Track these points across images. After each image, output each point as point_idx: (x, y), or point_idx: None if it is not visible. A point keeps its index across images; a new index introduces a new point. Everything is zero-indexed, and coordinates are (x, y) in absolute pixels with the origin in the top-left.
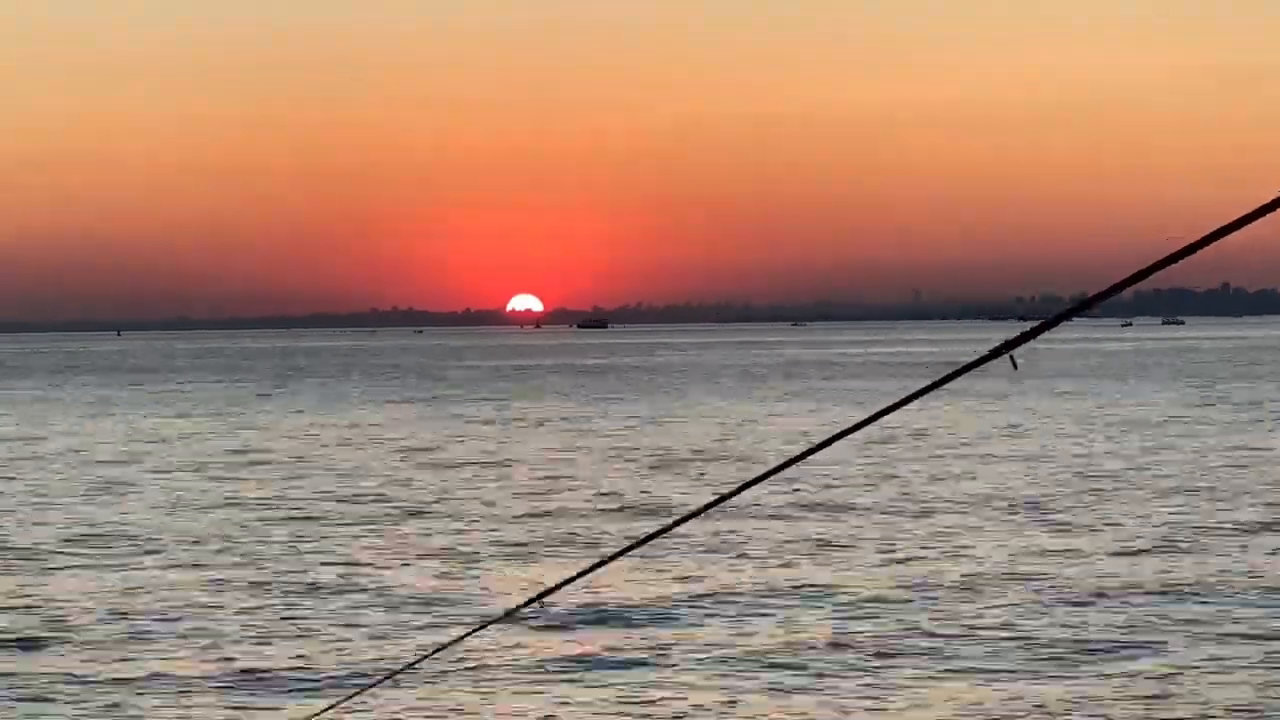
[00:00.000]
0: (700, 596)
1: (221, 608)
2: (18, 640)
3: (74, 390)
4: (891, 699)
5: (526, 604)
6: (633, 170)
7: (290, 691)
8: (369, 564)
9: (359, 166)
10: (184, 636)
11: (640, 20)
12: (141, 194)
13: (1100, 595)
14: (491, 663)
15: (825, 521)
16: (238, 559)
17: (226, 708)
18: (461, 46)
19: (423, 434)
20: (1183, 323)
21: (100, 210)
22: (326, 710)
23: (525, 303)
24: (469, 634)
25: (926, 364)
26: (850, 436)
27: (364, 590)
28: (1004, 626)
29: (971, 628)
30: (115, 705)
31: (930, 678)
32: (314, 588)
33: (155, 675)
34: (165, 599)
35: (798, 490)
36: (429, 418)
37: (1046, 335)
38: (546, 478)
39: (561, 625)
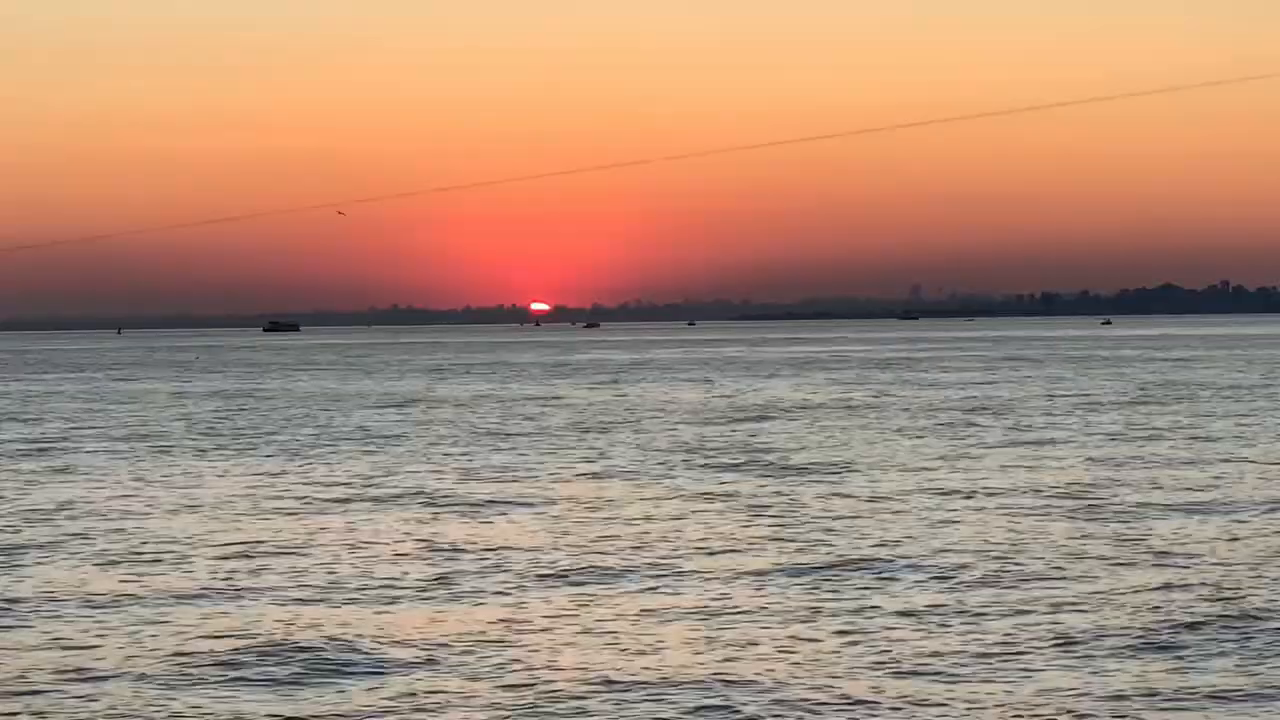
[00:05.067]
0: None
1: None
2: None
3: None
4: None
5: None
6: (633, 168)
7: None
8: None
9: (360, 164)
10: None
11: (638, 18)
12: (142, 192)
13: None
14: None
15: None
16: None
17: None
18: (464, 46)
19: None
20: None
21: (100, 210)
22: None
23: (525, 301)
24: None
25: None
26: None
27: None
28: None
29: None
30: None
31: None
32: None
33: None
34: None
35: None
36: None
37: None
38: None
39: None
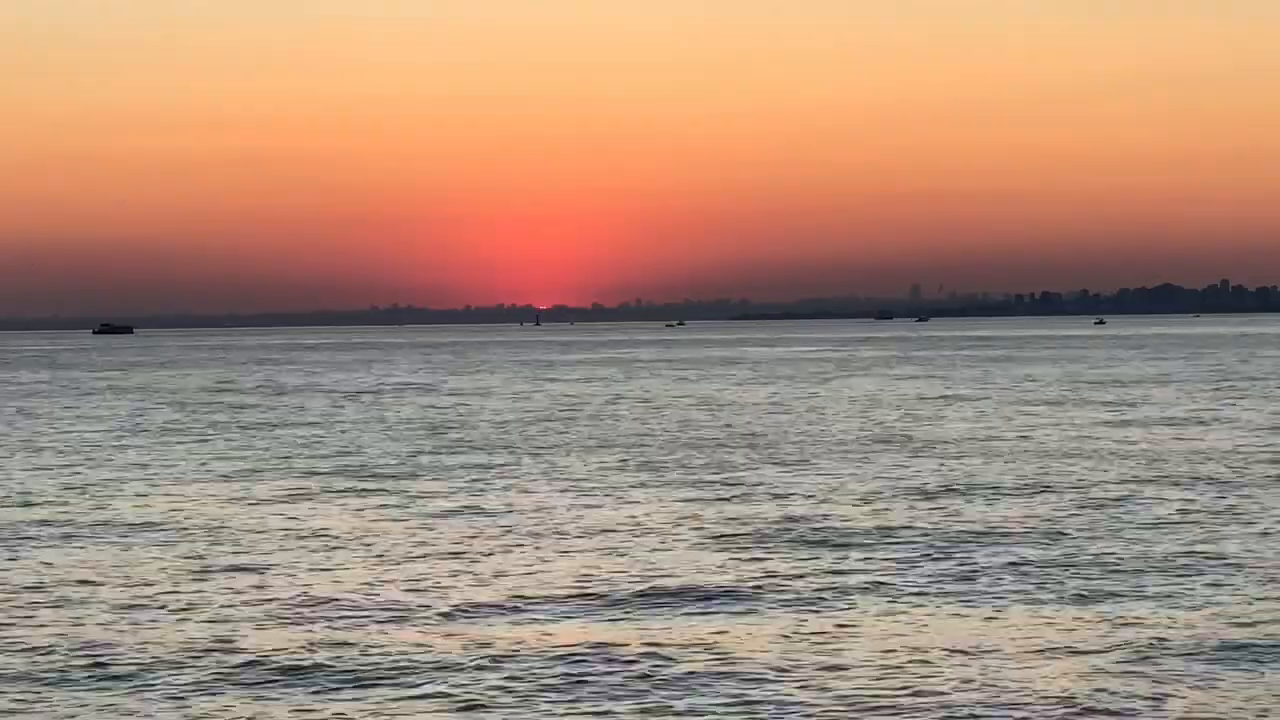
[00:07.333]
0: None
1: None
2: None
3: None
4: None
5: None
6: (634, 168)
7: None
8: None
9: (360, 164)
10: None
11: (638, 18)
12: (143, 192)
13: None
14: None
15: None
16: None
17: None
18: (464, 46)
19: None
20: (1104, 322)
21: (99, 210)
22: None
23: (526, 300)
24: None
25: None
26: None
27: None
28: None
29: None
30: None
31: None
32: None
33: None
34: None
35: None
36: None
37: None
38: None
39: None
